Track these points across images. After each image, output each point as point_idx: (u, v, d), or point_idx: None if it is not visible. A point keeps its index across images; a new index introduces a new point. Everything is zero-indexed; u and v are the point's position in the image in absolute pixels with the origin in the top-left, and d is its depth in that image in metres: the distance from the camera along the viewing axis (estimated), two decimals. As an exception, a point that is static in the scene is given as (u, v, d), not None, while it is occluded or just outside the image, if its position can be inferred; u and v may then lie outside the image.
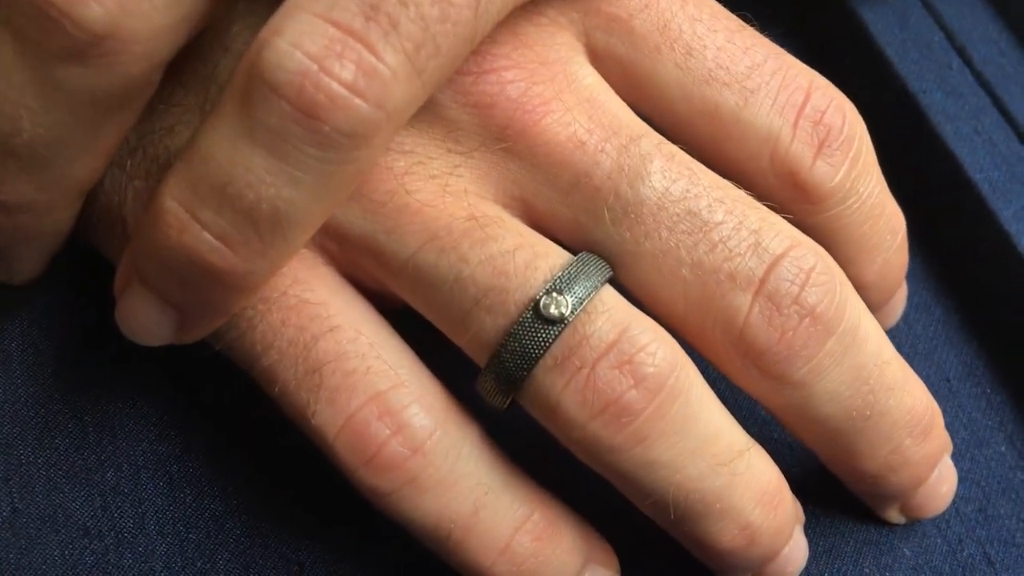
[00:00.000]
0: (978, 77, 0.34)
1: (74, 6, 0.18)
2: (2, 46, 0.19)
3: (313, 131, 0.19)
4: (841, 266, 0.26)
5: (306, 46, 0.18)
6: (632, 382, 0.22)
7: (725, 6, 0.26)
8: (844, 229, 0.26)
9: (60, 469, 0.25)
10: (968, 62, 0.34)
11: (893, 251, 0.27)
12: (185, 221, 0.20)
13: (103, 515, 0.25)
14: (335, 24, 0.19)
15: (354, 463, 0.22)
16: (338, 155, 0.19)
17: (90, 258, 0.25)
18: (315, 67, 0.18)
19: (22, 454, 0.25)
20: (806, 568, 0.27)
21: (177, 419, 0.26)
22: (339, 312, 0.23)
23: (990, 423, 0.30)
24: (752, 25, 0.26)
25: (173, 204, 0.20)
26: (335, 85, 0.18)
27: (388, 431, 0.22)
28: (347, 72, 0.19)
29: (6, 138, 0.20)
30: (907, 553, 0.28)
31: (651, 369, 0.22)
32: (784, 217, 0.25)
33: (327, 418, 0.22)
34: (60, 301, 0.27)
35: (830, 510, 0.28)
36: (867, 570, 0.28)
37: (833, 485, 0.27)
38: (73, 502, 0.25)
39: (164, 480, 0.26)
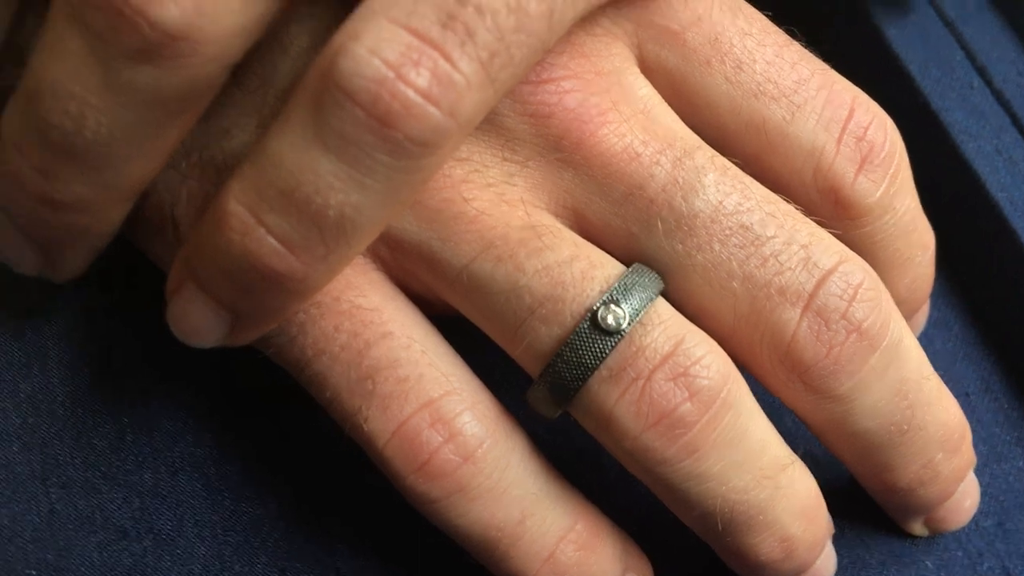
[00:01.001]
0: (998, 96, 0.35)
1: (150, 5, 0.18)
2: (72, 43, 0.19)
3: (386, 139, 0.19)
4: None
5: (384, 53, 0.18)
6: (687, 394, 0.22)
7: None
8: (880, 244, 0.26)
9: (98, 470, 0.25)
10: (988, 81, 0.35)
11: (923, 267, 0.27)
12: (249, 224, 0.20)
13: (141, 517, 0.25)
14: (412, 31, 0.19)
15: (405, 470, 0.22)
16: (408, 163, 0.19)
17: (133, 256, 0.25)
18: (392, 75, 0.18)
19: (60, 454, 0.25)
20: (833, 582, 0.27)
21: (215, 421, 0.26)
22: (392, 318, 0.23)
23: (1008, 438, 0.31)
24: (798, 39, 0.26)
25: (238, 207, 0.20)
26: (411, 93, 0.18)
27: (440, 438, 0.22)
28: (423, 80, 0.19)
29: (67, 136, 0.20)
30: (929, 566, 0.29)
31: (705, 382, 0.22)
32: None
33: (379, 425, 0.22)
34: (100, 299, 0.26)
35: (856, 523, 0.29)
36: (891, 582, 0.28)
37: (859, 498, 0.28)
38: (111, 503, 0.25)
39: (202, 482, 0.26)
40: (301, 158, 0.19)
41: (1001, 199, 0.33)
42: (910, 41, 0.35)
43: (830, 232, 0.25)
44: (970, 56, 0.35)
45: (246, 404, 0.26)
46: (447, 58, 0.19)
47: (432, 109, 0.19)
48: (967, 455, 0.27)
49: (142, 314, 0.25)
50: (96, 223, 0.23)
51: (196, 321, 0.22)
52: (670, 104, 0.25)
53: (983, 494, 0.30)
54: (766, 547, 0.24)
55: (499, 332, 0.23)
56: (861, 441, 0.25)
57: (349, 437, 0.23)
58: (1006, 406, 0.31)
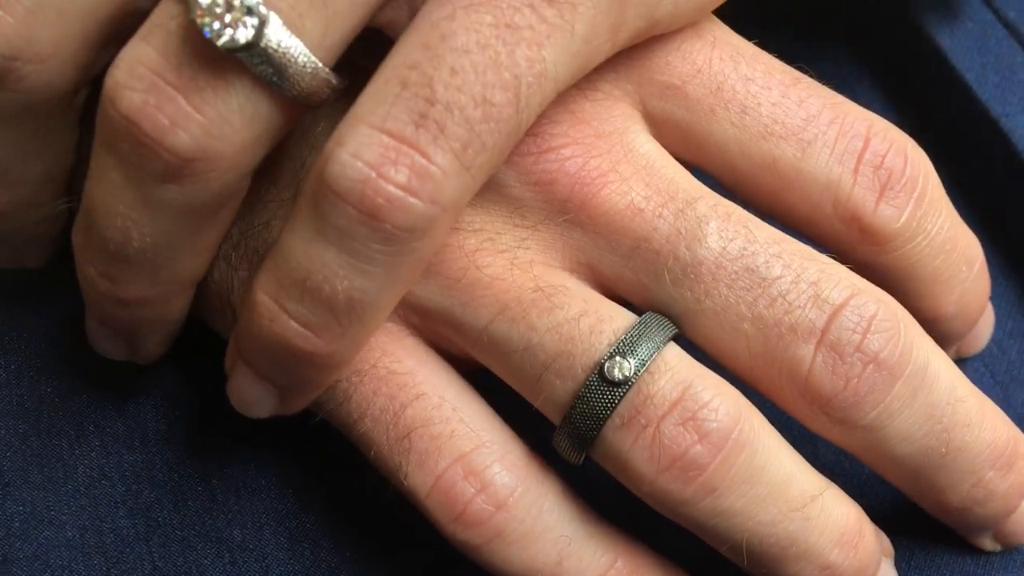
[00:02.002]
0: (1065, 96, 0.34)
1: (164, 135, 0.21)
2: (109, 170, 0.22)
3: (376, 230, 0.21)
4: (918, 301, 0.26)
5: (364, 155, 0.21)
6: (696, 437, 0.23)
7: (796, 39, 0.27)
8: (916, 266, 0.26)
9: (193, 529, 0.28)
10: (1054, 81, 0.34)
11: (971, 281, 0.27)
12: (274, 311, 0.22)
13: (232, 569, 0.28)
14: (389, 133, 0.21)
15: (445, 520, 0.24)
16: (401, 247, 0.21)
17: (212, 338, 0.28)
18: (373, 174, 0.20)
19: (160, 516, 0.28)
20: (903, 603, 0.27)
21: (293, 478, 0.29)
22: (424, 380, 0.25)
23: None
24: (809, 75, 0.27)
25: (264, 297, 0.22)
26: (392, 188, 0.20)
27: (473, 490, 0.24)
28: (401, 175, 0.21)
29: (119, 246, 0.23)
30: None
31: (714, 424, 0.23)
32: (851, 262, 0.26)
33: (418, 480, 0.24)
34: (189, 377, 0.29)
35: (924, 542, 0.29)
36: (966, 603, 0.28)
37: (927, 516, 0.28)
38: (205, 558, 0.28)
39: (285, 535, 0.28)
40: (309, 252, 0.21)
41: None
42: (965, 50, 0.34)
43: (858, 268, 0.25)
44: (1033, 57, 0.34)
45: (320, 461, 0.29)
46: (423, 153, 0.21)
47: (413, 200, 0.21)
48: None
49: (223, 388, 0.28)
50: (162, 314, 0.25)
51: (249, 395, 0.25)
52: (683, 153, 0.26)
53: None
54: (807, 576, 0.24)
55: (520, 386, 0.24)
56: (903, 466, 0.25)
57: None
58: None
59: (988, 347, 0.31)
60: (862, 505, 0.26)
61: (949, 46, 0.35)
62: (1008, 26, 0.35)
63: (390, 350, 0.25)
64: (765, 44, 0.27)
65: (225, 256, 0.25)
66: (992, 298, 0.31)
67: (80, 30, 0.22)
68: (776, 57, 0.26)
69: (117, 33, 0.23)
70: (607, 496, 0.26)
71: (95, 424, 0.29)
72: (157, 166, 0.21)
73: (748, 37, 0.27)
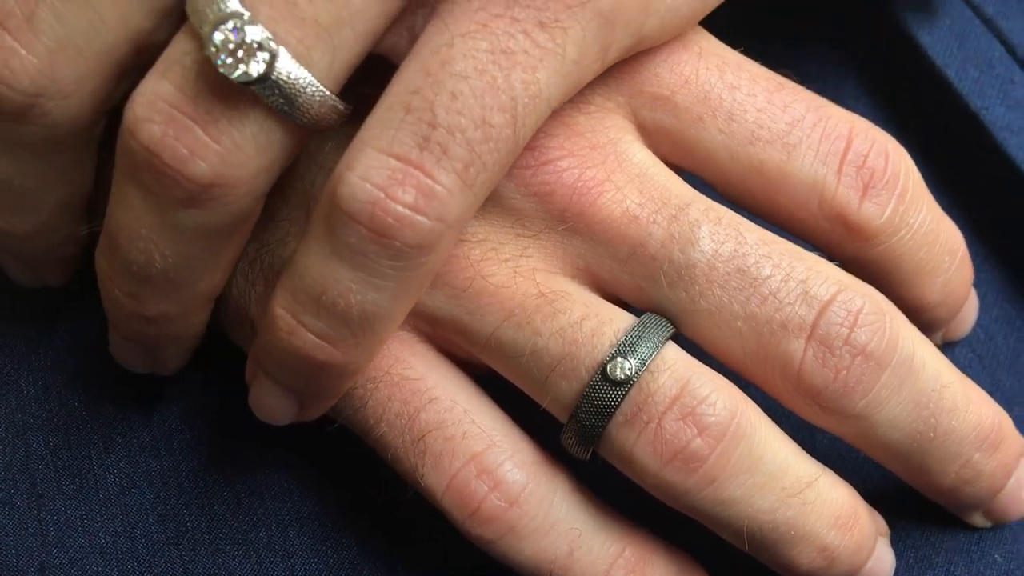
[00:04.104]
0: (1043, 87, 0.35)
1: (184, 164, 0.22)
2: (131, 197, 0.23)
3: (386, 247, 0.22)
4: (904, 291, 0.28)
5: (373, 178, 0.22)
6: (696, 431, 0.24)
7: (781, 40, 0.28)
8: (901, 258, 0.27)
9: (220, 532, 0.29)
10: (1032, 73, 0.35)
11: (954, 270, 0.29)
12: (292, 325, 0.24)
13: (259, 570, 0.29)
14: (395, 156, 0.22)
15: (460, 517, 0.25)
16: (410, 263, 0.23)
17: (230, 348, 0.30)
18: (382, 195, 0.22)
19: (188, 521, 0.30)
20: (899, 581, 0.28)
21: (314, 482, 0.30)
22: (436, 385, 0.26)
23: None
24: (794, 80, 0.28)
25: (282, 312, 0.24)
26: (400, 208, 0.22)
27: (486, 488, 0.25)
28: (408, 196, 0.22)
29: (142, 268, 0.24)
30: (998, 559, 0.30)
31: (712, 418, 0.24)
32: (839, 258, 0.27)
33: (433, 480, 0.25)
34: (210, 387, 0.31)
35: (919, 521, 0.30)
36: (960, 577, 0.29)
37: (920, 496, 0.29)
38: (233, 560, 0.29)
39: (308, 536, 0.29)
40: (323, 269, 0.23)
41: (1049, 191, 0.33)
42: (945, 45, 0.36)
43: (844, 263, 0.26)
44: (1011, 50, 0.36)
45: (338, 465, 0.30)
46: (428, 174, 0.22)
47: (420, 218, 0.22)
48: (1012, 448, 0.28)
49: (243, 396, 0.30)
50: (183, 329, 0.27)
51: (270, 404, 0.26)
52: (674, 159, 0.27)
53: None
54: (806, 558, 0.26)
55: (528, 387, 0.26)
56: (893, 450, 0.26)
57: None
58: None
59: (975, 333, 0.33)
60: (857, 488, 0.27)
61: (929, 43, 0.36)
62: (986, 21, 0.36)
63: (402, 357, 0.26)
64: (751, 47, 0.28)
65: (242, 273, 0.27)
66: (978, 285, 0.33)
67: (99, 67, 0.23)
68: (761, 62, 0.28)
69: (133, 67, 0.24)
70: (613, 489, 0.27)
71: (122, 435, 0.31)
72: (177, 193, 0.23)
73: (735, 41, 0.28)
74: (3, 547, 0.29)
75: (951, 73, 0.35)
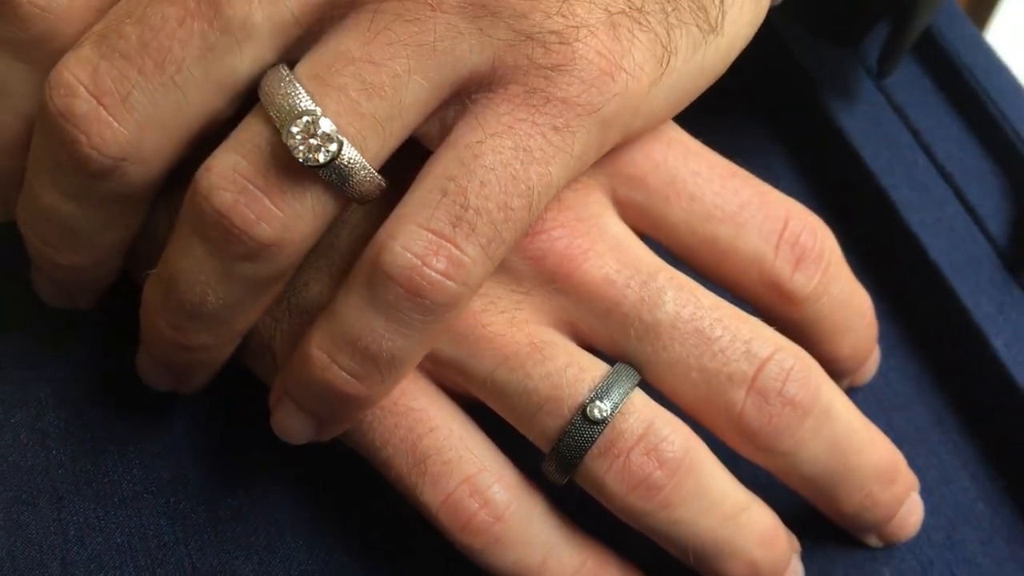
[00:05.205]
0: (941, 170, 0.41)
1: (251, 227, 0.26)
2: (195, 247, 0.27)
3: (419, 305, 0.26)
4: (823, 346, 0.33)
5: (412, 248, 0.26)
6: (657, 464, 0.29)
7: (722, 117, 0.32)
8: (821, 320, 0.33)
9: (225, 535, 0.33)
10: (932, 158, 0.41)
11: (863, 329, 0.34)
12: (327, 363, 0.28)
13: (260, 569, 0.33)
14: (432, 231, 0.26)
15: (453, 529, 0.30)
16: (435, 317, 0.27)
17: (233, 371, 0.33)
18: (419, 263, 0.26)
19: (196, 524, 0.33)
20: (805, 590, 0.33)
21: (311, 491, 0.34)
22: (436, 415, 0.30)
23: (956, 463, 0.36)
24: (743, 167, 0.33)
25: (319, 351, 0.28)
26: (433, 274, 0.26)
27: (476, 505, 0.30)
28: (441, 264, 0.26)
29: (195, 307, 0.28)
30: (887, 573, 0.35)
31: (671, 454, 0.29)
32: (772, 316, 0.32)
33: (431, 496, 0.30)
34: (214, 404, 0.35)
35: (824, 542, 0.34)
36: (854, 589, 0.35)
37: (824, 520, 0.34)
38: (236, 560, 0.33)
39: (304, 540, 0.33)
40: (361, 318, 0.27)
41: (942, 263, 0.39)
42: (861, 129, 0.41)
43: (776, 321, 0.32)
44: (916, 136, 0.41)
45: (340, 476, 0.34)
46: (458, 247, 0.26)
47: (449, 283, 0.26)
48: (903, 482, 0.33)
49: (251, 415, 0.33)
50: (216, 357, 0.31)
51: (292, 425, 0.30)
52: (642, 229, 0.32)
53: (935, 510, 0.35)
54: (736, 570, 0.31)
55: (517, 421, 0.30)
56: (809, 481, 0.31)
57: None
58: (955, 437, 0.37)
59: (876, 379, 0.37)
60: (777, 511, 0.32)
61: (848, 126, 0.41)
62: (896, 109, 0.42)
63: (408, 390, 0.30)
64: (702, 126, 0.33)
65: (270, 312, 0.30)
66: (880, 339, 0.38)
67: (177, 140, 0.27)
68: (707, 138, 0.33)
69: (201, 137, 0.28)
70: (577, 509, 0.32)
71: (134, 445, 0.34)
72: (239, 250, 0.27)
73: (690, 123, 0.33)
74: (28, 543, 0.32)
75: (865, 154, 0.41)
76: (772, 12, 0.32)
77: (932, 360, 0.38)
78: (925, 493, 0.35)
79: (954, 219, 0.40)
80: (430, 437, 0.30)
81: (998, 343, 0.37)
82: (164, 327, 0.29)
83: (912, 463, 0.33)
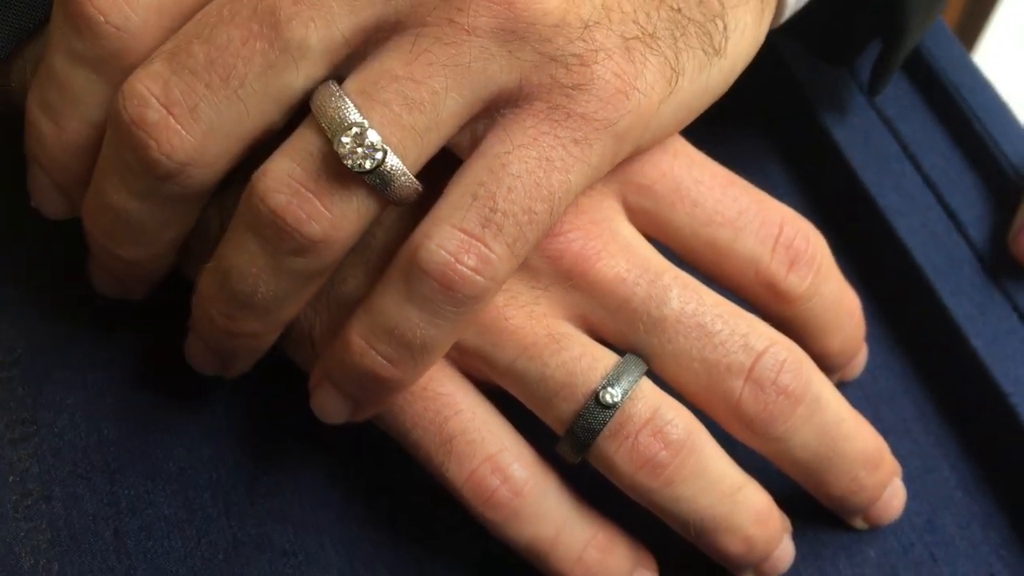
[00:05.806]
0: (926, 180, 0.44)
1: (302, 225, 0.29)
2: (250, 244, 0.30)
3: (451, 298, 0.29)
4: (814, 341, 0.36)
5: (447, 246, 0.29)
6: (662, 445, 0.32)
7: (722, 126, 0.35)
8: (813, 319, 0.36)
9: (263, 507, 0.36)
10: (919, 168, 0.44)
11: (851, 327, 0.37)
12: (366, 349, 0.31)
13: (296, 540, 0.35)
14: (463, 231, 0.29)
15: (476, 503, 0.33)
16: (466, 309, 0.30)
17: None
18: (452, 259, 0.29)
19: (235, 497, 0.36)
20: (797, 567, 0.35)
21: (341, 471, 0.37)
22: (461, 400, 0.33)
23: (937, 453, 0.38)
24: (742, 176, 0.36)
25: (358, 339, 0.31)
26: (465, 269, 0.29)
27: (498, 482, 0.32)
28: (472, 261, 0.29)
29: (247, 297, 0.31)
30: (872, 554, 0.37)
31: (675, 436, 0.32)
32: (768, 314, 0.35)
33: (456, 473, 0.33)
34: (252, 387, 0.37)
35: (814, 523, 0.37)
36: (842, 567, 0.37)
37: (815, 504, 0.35)
38: (273, 531, 0.35)
39: (336, 513, 0.36)
40: (398, 310, 0.30)
41: (925, 265, 0.41)
42: (853, 140, 0.44)
43: (771, 318, 0.35)
44: (904, 148, 0.44)
45: (368, 463, 0.37)
46: (487, 246, 0.29)
47: (479, 278, 0.29)
48: (887, 468, 0.35)
49: (285, 403, 0.36)
50: (261, 344, 0.33)
51: (331, 406, 0.33)
52: (650, 232, 0.35)
53: (916, 496, 0.37)
54: (732, 545, 0.34)
55: (535, 406, 0.33)
56: (800, 466, 0.34)
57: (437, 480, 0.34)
58: (937, 430, 0.39)
59: (864, 375, 0.39)
60: (771, 493, 0.34)
61: (841, 138, 0.44)
62: (886, 122, 0.45)
63: (436, 377, 0.33)
64: (704, 131, 0.35)
65: (311, 303, 0.33)
66: (868, 337, 0.41)
67: (237, 147, 0.30)
68: (709, 148, 0.35)
69: (257, 144, 0.31)
70: (588, 488, 0.35)
71: (179, 425, 0.37)
72: (291, 245, 0.29)
73: (695, 134, 0.36)
74: (84, 514, 0.35)
75: (856, 164, 0.43)
76: (772, 31, 0.35)
77: (916, 357, 0.40)
78: (908, 481, 0.36)
79: (938, 225, 0.42)
80: (456, 420, 0.33)
81: (978, 343, 0.39)
82: (216, 315, 0.32)
83: (896, 453, 0.36)
